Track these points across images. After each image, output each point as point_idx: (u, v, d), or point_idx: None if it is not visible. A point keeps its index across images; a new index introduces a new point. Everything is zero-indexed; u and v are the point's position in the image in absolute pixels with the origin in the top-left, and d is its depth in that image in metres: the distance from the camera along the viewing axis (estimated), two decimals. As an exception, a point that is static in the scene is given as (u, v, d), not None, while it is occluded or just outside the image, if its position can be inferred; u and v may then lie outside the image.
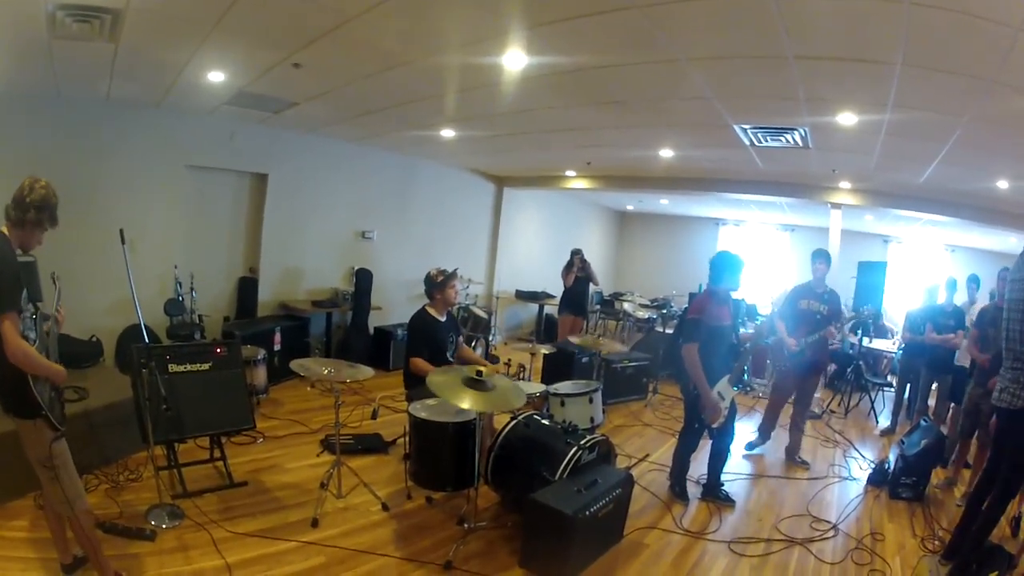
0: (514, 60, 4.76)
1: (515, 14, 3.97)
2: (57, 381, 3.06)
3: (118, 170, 6.95)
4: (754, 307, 11.76)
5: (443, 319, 5.49)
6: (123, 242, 4.07)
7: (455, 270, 5.59)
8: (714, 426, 5.27)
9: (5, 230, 2.95)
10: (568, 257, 9.91)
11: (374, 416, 6.14)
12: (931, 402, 7.80)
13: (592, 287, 10.78)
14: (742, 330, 6.02)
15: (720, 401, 5.19)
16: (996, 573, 3.99)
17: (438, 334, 5.40)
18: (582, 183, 11.78)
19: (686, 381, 5.29)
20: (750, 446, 6.81)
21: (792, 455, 6.59)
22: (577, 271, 9.80)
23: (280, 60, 5.13)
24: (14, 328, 2.74)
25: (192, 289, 7.50)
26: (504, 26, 4.16)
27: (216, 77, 5.76)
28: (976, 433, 5.84)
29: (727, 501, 5.38)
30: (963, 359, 7.07)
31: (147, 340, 4.54)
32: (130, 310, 4.27)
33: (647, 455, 6.39)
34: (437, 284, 5.41)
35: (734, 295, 5.62)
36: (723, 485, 5.51)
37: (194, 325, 7.38)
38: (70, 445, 3.13)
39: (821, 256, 6.52)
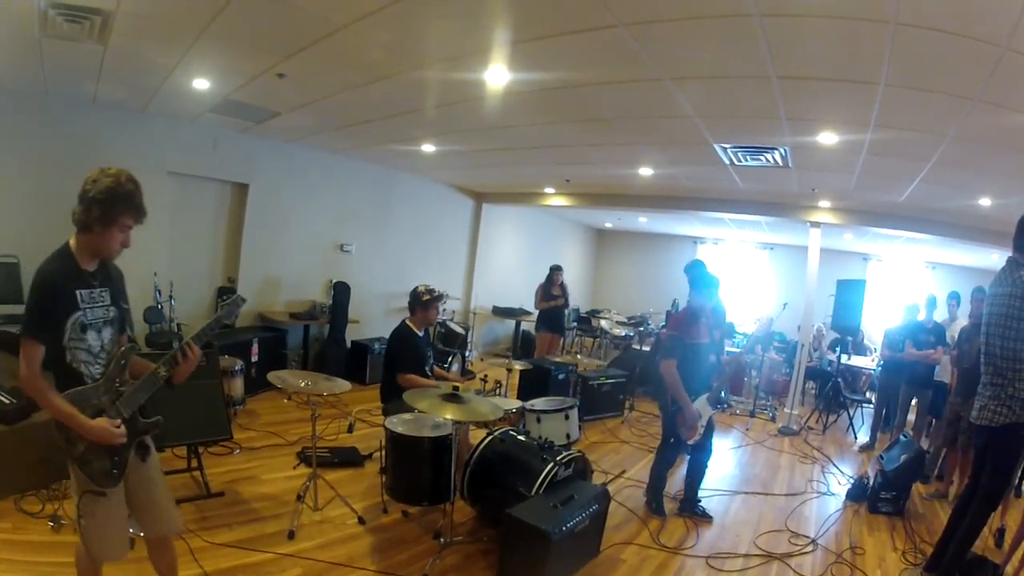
0: (497, 76, 4.79)
1: (499, 29, 4.00)
2: (90, 439, 2.50)
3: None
4: (731, 325, 11.77)
5: (421, 334, 5.56)
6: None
7: (443, 294, 5.64)
8: (690, 443, 5.30)
9: (72, 241, 2.54)
10: (547, 272, 9.89)
11: (350, 430, 6.12)
12: (911, 417, 7.89)
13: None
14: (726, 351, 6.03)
15: (698, 418, 5.21)
16: None
17: (419, 349, 5.47)
18: (561, 200, 11.76)
19: (664, 397, 5.32)
20: None
21: None
22: (556, 293, 9.82)
23: (265, 69, 5.13)
24: (32, 357, 2.38)
25: (171, 297, 7.44)
26: (488, 41, 4.19)
27: (201, 84, 5.77)
28: (958, 442, 5.92)
29: (704, 517, 5.38)
30: (943, 374, 7.18)
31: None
32: (110, 316, 4.21)
33: (623, 471, 6.39)
34: (422, 302, 5.47)
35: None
36: (700, 501, 5.53)
37: (173, 334, 7.30)
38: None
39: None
